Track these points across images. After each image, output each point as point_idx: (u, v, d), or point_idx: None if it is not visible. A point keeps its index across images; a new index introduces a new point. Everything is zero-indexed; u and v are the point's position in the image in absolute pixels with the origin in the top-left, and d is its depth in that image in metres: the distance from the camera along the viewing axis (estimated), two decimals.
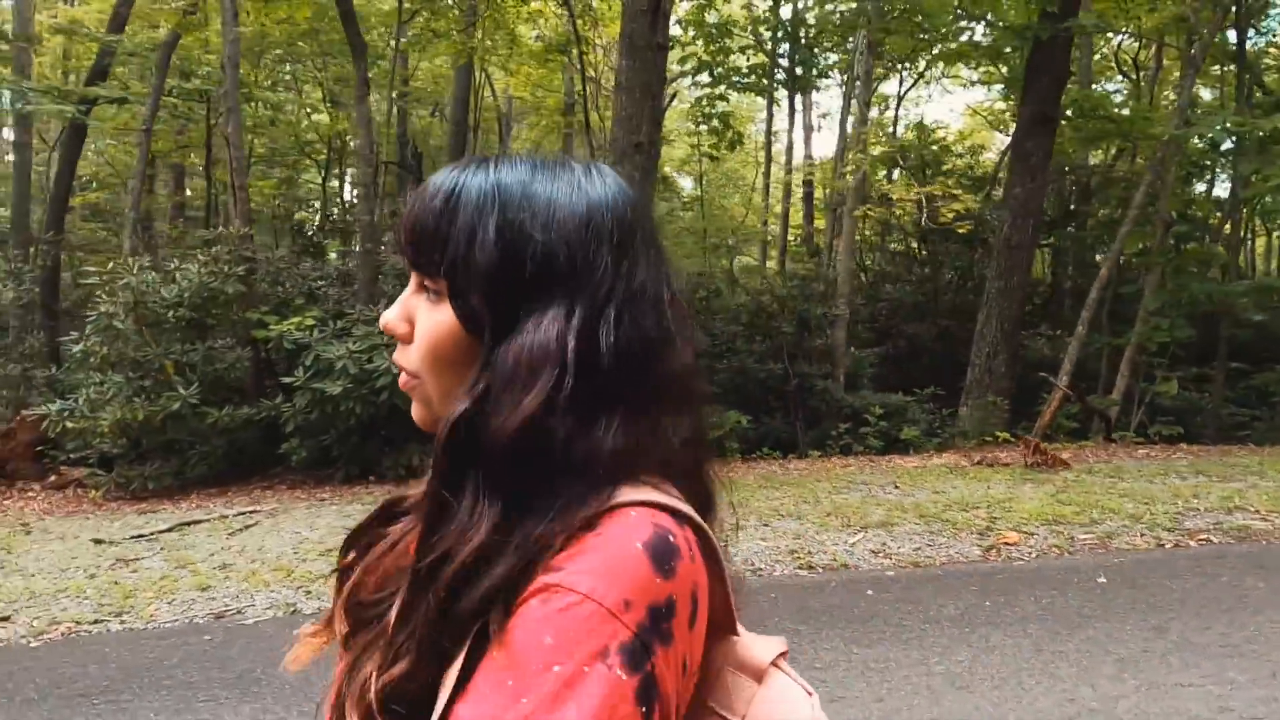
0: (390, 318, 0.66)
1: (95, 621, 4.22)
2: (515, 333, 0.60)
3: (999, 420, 10.42)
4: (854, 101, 17.72)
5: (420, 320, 0.64)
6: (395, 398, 7.29)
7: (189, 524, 6.16)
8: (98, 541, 5.69)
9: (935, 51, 11.74)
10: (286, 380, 7.51)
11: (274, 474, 8.39)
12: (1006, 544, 5.10)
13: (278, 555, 5.19)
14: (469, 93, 16.96)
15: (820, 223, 19.00)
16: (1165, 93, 16.34)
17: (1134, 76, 16.84)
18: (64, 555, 5.41)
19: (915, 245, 14.53)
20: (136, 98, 11.32)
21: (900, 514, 5.75)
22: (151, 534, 5.89)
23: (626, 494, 0.57)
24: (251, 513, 6.52)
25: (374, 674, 0.58)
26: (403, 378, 0.67)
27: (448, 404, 0.62)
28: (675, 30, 13.87)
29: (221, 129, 8.64)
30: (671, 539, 0.55)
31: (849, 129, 17.63)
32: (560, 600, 0.52)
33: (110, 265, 7.91)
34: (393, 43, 19.40)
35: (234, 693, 3.33)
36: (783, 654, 0.66)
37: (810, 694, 0.65)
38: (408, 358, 0.65)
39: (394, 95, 15.37)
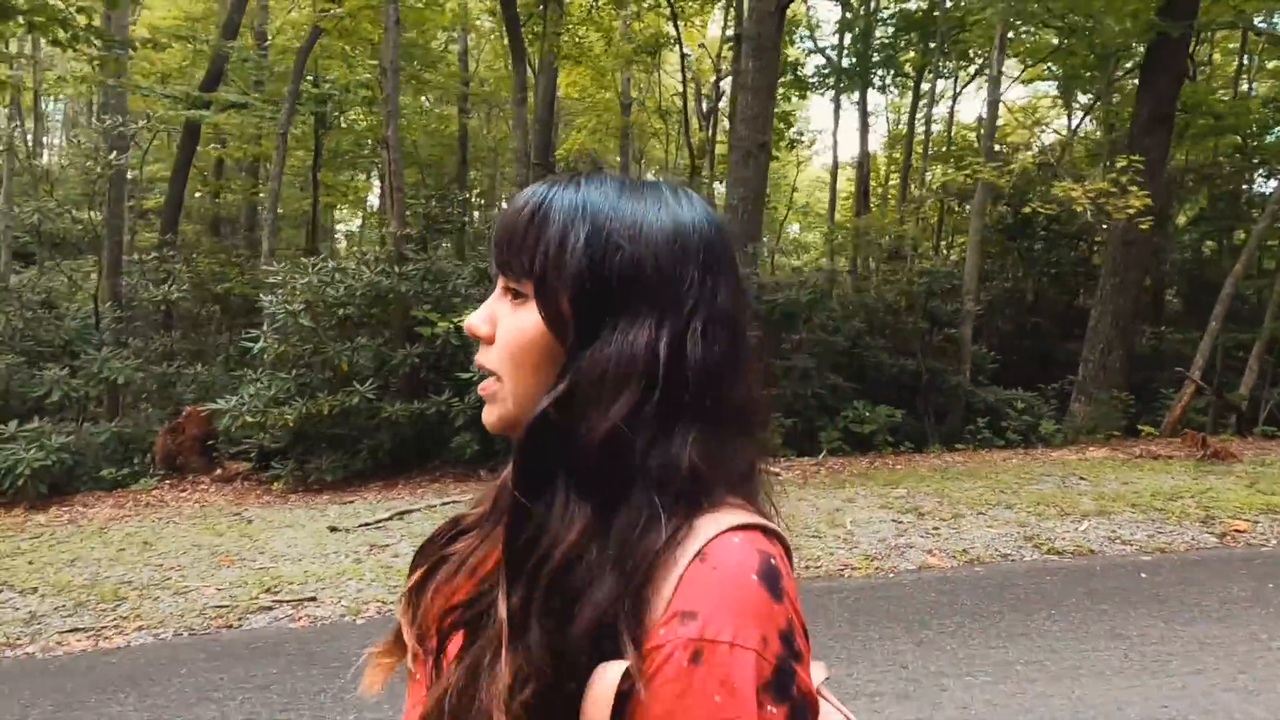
0: (474, 320, 0.68)
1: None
2: (601, 339, 0.62)
3: (1121, 415, 10.52)
4: (922, 102, 17.75)
5: (503, 322, 0.66)
6: None
7: (404, 513, 6.38)
8: (333, 529, 5.92)
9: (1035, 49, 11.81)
10: (464, 375, 7.71)
11: (433, 466, 8.61)
12: (1238, 531, 5.23)
13: None
14: (554, 93, 17.16)
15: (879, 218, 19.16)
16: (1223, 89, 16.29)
17: (1190, 74, 16.83)
18: (310, 542, 5.63)
19: (1008, 242, 14.58)
20: (263, 101, 11.59)
21: (1109, 503, 5.88)
22: (377, 522, 6.11)
23: (723, 517, 0.59)
24: (454, 502, 6.74)
25: (505, 692, 0.57)
26: (483, 385, 0.68)
27: (525, 405, 0.64)
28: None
29: (380, 132, 8.87)
30: (774, 561, 0.58)
31: (931, 126, 17.70)
32: (713, 655, 0.54)
33: (285, 265, 8.16)
34: (453, 46, 19.67)
35: None
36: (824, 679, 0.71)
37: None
38: (489, 358, 0.67)
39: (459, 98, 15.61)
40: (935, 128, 19.24)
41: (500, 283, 0.67)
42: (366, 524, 6.08)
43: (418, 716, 0.64)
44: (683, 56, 13.59)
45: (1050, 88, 20.55)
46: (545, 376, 0.64)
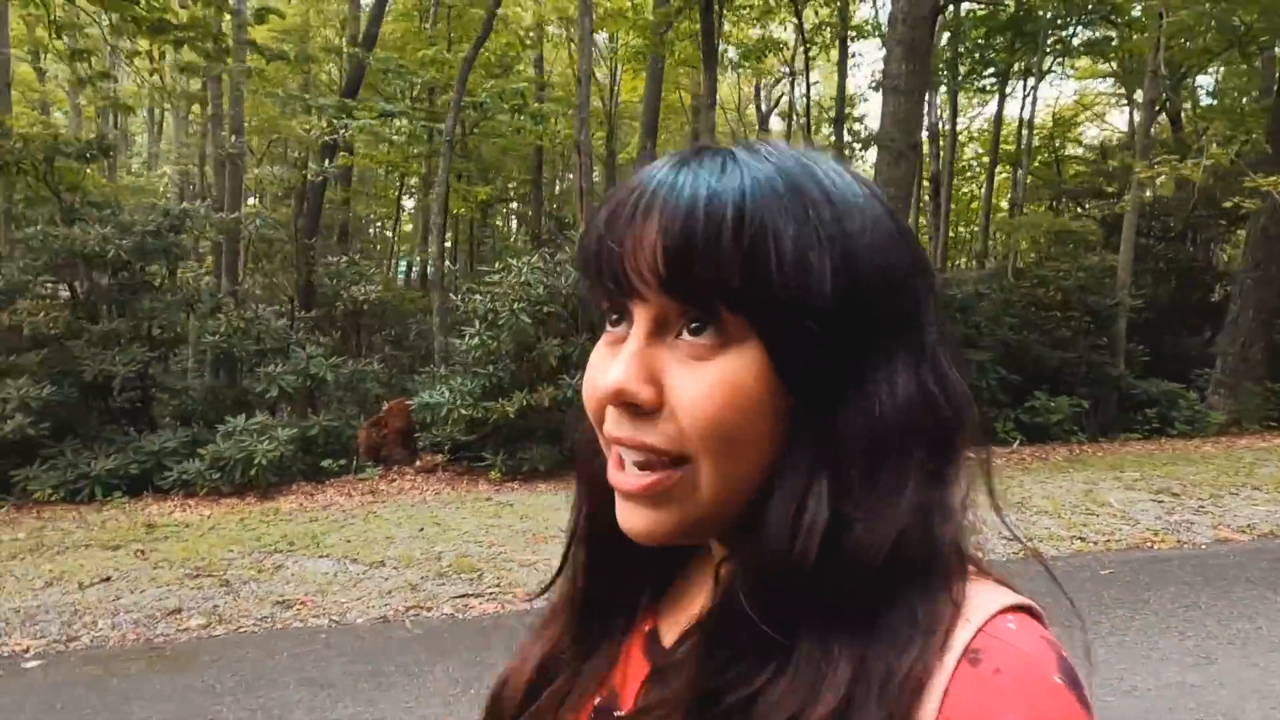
0: (627, 380, 0.45)
1: None
2: (862, 394, 0.44)
3: (1270, 405, 10.70)
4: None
5: (684, 378, 0.45)
6: None
7: None
8: None
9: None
10: None
11: None
12: None
13: None
14: (659, 98, 17.51)
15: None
16: None
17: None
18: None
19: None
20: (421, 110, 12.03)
21: None
22: None
23: (979, 595, 0.44)
24: None
25: None
26: (645, 477, 0.46)
27: (727, 500, 0.46)
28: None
29: (575, 137, 9.27)
30: (1065, 653, 0.42)
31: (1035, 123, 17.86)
32: None
33: (500, 266, 8.57)
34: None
35: None
36: None
37: None
38: (658, 433, 0.45)
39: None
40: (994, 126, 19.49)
41: (648, 320, 0.46)
42: None
43: None
44: (807, 59, 13.87)
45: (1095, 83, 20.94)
46: (758, 456, 0.45)
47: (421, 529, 6.03)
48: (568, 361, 8.49)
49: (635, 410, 0.46)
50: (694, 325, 0.45)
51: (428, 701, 3.29)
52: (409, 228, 26.13)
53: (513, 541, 5.54)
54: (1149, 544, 4.97)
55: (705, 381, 0.44)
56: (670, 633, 0.52)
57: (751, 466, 0.45)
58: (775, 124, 25.75)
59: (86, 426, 8.64)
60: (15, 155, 8.83)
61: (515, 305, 8.15)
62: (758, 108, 26.46)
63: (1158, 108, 19.17)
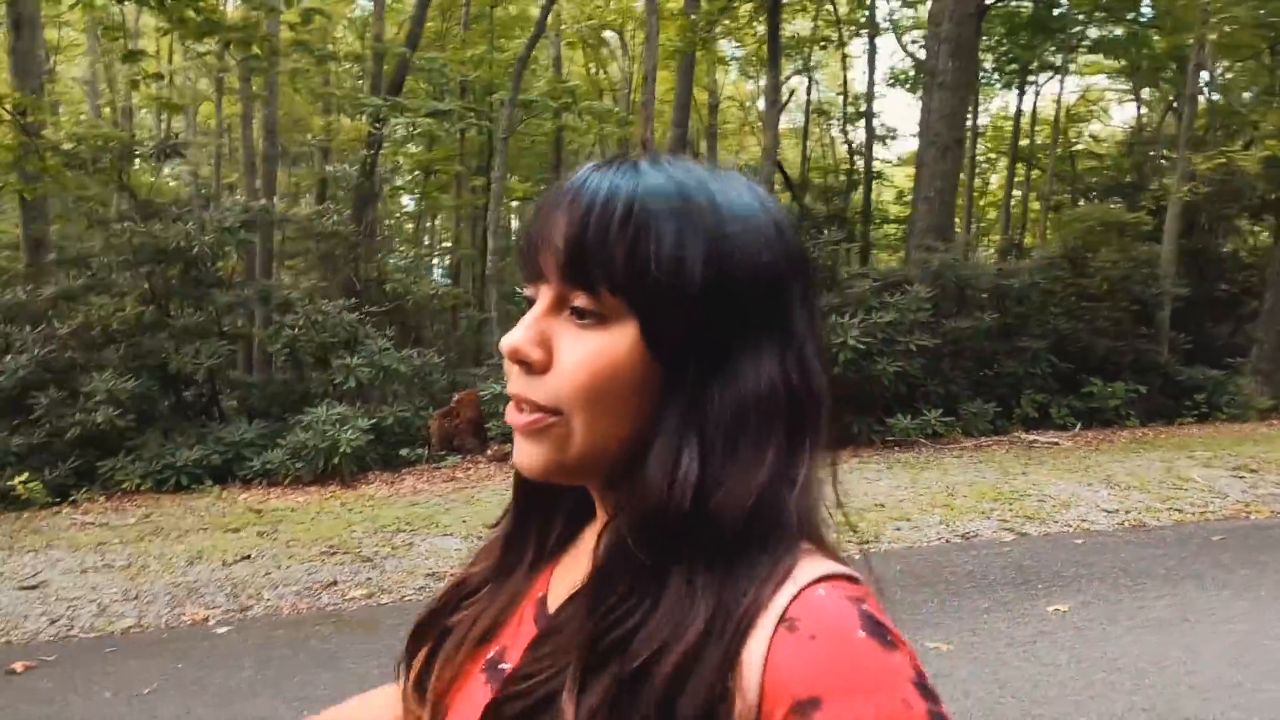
0: (521, 342, 0.53)
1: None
2: (727, 373, 0.51)
3: None
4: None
5: (569, 346, 0.53)
6: (850, 371, 8.08)
7: None
8: None
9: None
10: None
11: None
12: None
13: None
14: (689, 96, 17.71)
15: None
16: None
17: None
18: None
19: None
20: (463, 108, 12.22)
21: None
22: None
23: (803, 566, 0.50)
24: None
25: None
26: (526, 416, 0.54)
27: (600, 450, 0.53)
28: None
29: (642, 134, 9.51)
30: (866, 606, 0.49)
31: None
32: None
33: None
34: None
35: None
36: None
37: None
38: (543, 390, 0.53)
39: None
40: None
41: (550, 297, 0.54)
42: None
43: None
44: (844, 56, 14.09)
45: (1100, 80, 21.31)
46: (629, 416, 0.52)
47: None
48: None
49: (529, 368, 0.54)
50: (576, 307, 0.52)
51: None
52: (409, 226, 26.32)
53: None
54: (1244, 514, 5.22)
55: (585, 350, 0.52)
56: (556, 600, 0.58)
57: (620, 425, 0.52)
58: (783, 121, 25.98)
59: (164, 419, 8.84)
60: (92, 154, 9.02)
61: None
62: (769, 105, 26.56)
63: (1170, 104, 19.58)
